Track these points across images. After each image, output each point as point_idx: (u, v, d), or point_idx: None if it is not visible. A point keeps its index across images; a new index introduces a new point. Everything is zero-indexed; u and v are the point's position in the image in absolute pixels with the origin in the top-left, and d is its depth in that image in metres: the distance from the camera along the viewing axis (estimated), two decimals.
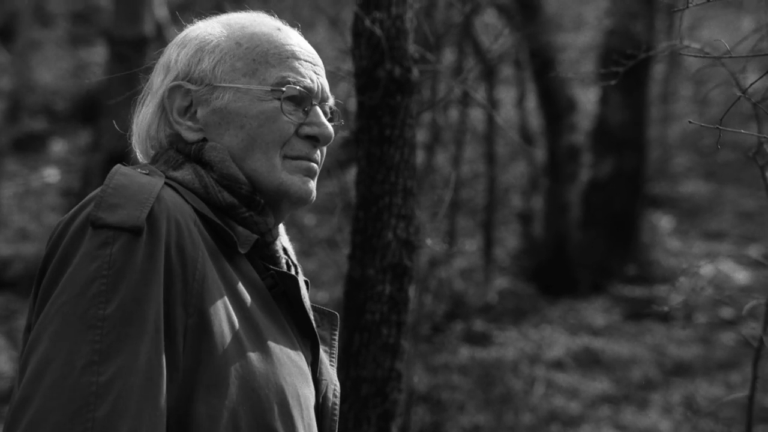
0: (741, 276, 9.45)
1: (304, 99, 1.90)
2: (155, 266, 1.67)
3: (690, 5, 2.24)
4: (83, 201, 1.75)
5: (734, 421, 6.67)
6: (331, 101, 1.97)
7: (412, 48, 2.95)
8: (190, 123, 1.89)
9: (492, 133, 9.34)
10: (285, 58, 1.90)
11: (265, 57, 1.90)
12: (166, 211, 1.71)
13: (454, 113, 9.12)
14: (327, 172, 5.27)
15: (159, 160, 1.90)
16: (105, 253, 1.66)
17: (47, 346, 1.63)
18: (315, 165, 1.92)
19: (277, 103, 1.88)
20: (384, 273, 2.89)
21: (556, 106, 9.72)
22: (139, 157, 1.96)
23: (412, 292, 2.95)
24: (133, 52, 7.68)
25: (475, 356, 7.89)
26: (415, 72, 2.94)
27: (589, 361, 8.08)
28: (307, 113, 1.91)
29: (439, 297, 8.42)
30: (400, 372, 2.92)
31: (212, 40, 1.90)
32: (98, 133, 9.17)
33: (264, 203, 1.87)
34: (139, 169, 1.81)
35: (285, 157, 1.89)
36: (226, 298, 1.75)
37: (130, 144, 2.00)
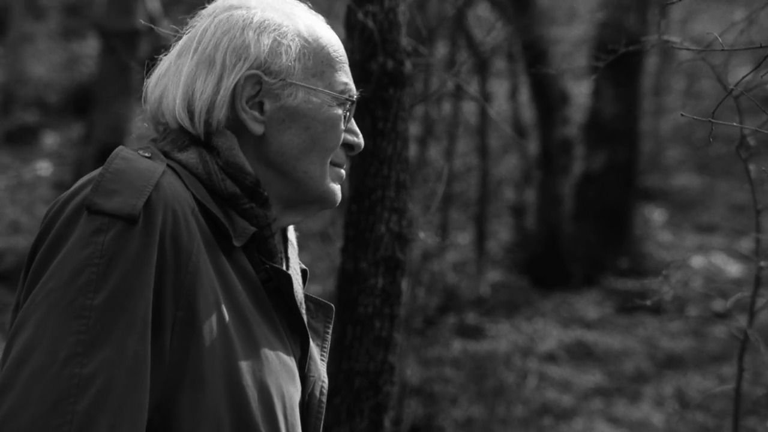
0: (733, 269, 9.47)
1: (352, 107, 1.92)
2: (148, 257, 1.64)
3: None
4: (82, 181, 1.72)
5: (725, 414, 6.69)
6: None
7: (405, 41, 2.95)
8: (256, 114, 1.84)
9: (485, 126, 9.34)
10: (342, 62, 1.91)
11: (328, 60, 1.89)
12: (163, 200, 1.68)
13: (446, 106, 9.11)
14: None
15: (165, 138, 1.85)
16: (98, 241, 1.63)
17: (31, 333, 1.60)
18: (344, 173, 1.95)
19: (339, 111, 1.88)
20: (377, 266, 2.90)
21: (548, 99, 9.73)
22: (164, 116, 1.86)
23: (404, 285, 2.96)
24: (125, 45, 7.66)
25: (467, 349, 7.90)
26: (408, 65, 2.94)
27: (581, 354, 8.09)
28: (348, 121, 1.92)
29: (432, 290, 8.42)
30: (393, 365, 2.93)
31: (287, 33, 1.86)
32: (90, 125, 9.15)
33: (267, 196, 1.84)
34: (141, 151, 1.78)
35: (331, 163, 1.89)
36: (218, 292, 1.73)
37: (124, 130, 1.96)
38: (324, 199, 1.90)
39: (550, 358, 7.99)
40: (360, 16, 2.87)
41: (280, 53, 1.85)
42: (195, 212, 1.74)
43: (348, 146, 1.93)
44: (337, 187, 1.91)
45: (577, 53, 12.74)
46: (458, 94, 8.12)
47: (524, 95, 10.59)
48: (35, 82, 14.49)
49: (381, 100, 2.90)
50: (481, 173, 9.49)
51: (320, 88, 1.86)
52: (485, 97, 8.81)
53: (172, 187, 1.72)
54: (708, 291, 7.40)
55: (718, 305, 8.28)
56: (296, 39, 1.86)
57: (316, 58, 1.87)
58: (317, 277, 8.06)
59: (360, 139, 1.94)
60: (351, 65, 2.90)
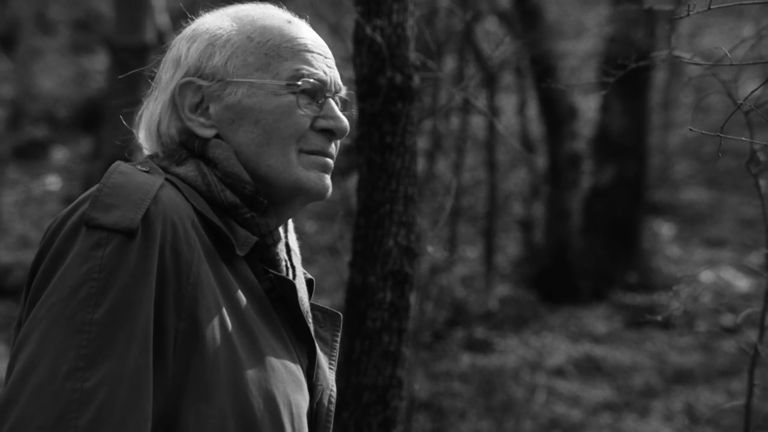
0: (742, 283, 9.44)
1: (318, 92, 1.88)
2: (148, 270, 1.65)
3: (690, 13, 2.24)
4: (80, 198, 1.73)
5: (735, 429, 6.66)
6: (343, 92, 1.95)
7: (413, 55, 2.95)
8: (202, 119, 1.86)
9: (493, 141, 9.34)
10: (297, 51, 1.88)
11: (277, 50, 1.87)
12: (162, 213, 1.68)
13: (455, 120, 9.12)
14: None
15: (162, 155, 1.87)
16: (97, 255, 1.63)
17: (34, 349, 1.61)
18: (331, 160, 1.90)
19: (292, 98, 1.85)
20: (385, 280, 2.89)
21: (556, 114, 9.73)
22: (147, 153, 1.92)
23: (413, 299, 2.95)
24: (135, 60, 7.68)
25: (476, 363, 7.88)
26: (416, 79, 2.94)
27: (590, 369, 8.07)
28: (321, 106, 1.88)
29: (440, 304, 8.41)
30: (401, 379, 2.92)
31: (223, 35, 1.87)
32: (99, 140, 9.17)
33: (267, 204, 1.84)
34: (139, 166, 1.78)
35: (301, 151, 1.86)
36: (220, 302, 1.73)
37: (133, 145, 1.98)
38: (299, 188, 1.86)
39: (559, 372, 7.97)
40: (368, 30, 2.88)
41: (213, 54, 1.86)
42: (195, 224, 1.74)
43: (327, 131, 1.89)
44: (313, 175, 1.87)
45: (585, 68, 12.75)
46: (466, 108, 8.13)
47: (532, 110, 10.60)
48: (45, 97, 14.54)
49: (389, 114, 2.90)
50: (489, 187, 9.49)
51: (262, 80, 1.85)
52: (493, 112, 8.82)
53: (171, 200, 1.72)
54: (717, 306, 7.39)
55: (727, 320, 8.25)
56: (234, 39, 1.87)
57: (258, 53, 1.86)
58: (325, 291, 8.06)
59: (338, 123, 1.89)
60: (359, 80, 2.91)
